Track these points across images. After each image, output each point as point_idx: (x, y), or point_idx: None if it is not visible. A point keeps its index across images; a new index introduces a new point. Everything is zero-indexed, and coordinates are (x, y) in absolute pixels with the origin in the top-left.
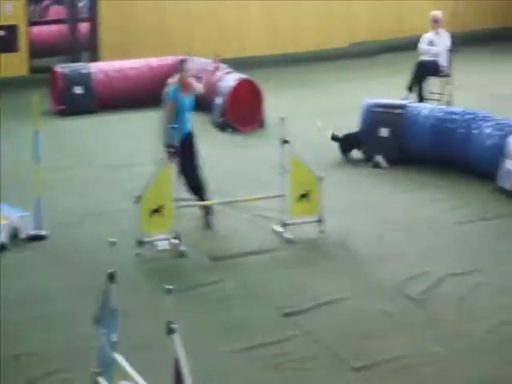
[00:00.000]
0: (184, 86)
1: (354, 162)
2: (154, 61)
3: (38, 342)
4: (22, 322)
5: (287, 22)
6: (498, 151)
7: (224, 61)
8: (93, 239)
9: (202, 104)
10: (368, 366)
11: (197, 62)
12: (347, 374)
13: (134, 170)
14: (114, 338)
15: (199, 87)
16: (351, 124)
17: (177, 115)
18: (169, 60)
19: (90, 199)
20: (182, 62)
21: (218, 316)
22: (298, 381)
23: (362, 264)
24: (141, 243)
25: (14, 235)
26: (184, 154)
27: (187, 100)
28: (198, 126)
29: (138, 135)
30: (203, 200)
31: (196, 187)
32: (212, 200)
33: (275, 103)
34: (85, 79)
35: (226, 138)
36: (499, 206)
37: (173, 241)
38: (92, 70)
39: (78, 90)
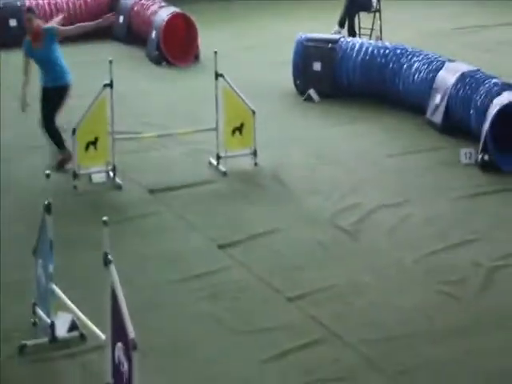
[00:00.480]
0: (34, 35)
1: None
2: None
3: None
4: None
5: None
6: (428, 85)
7: None
8: (29, 172)
9: (138, 38)
10: (301, 296)
11: None
12: (281, 304)
13: (68, 104)
14: (51, 268)
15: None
16: (285, 57)
17: (39, 67)
18: None
19: (25, 132)
20: (28, 10)
21: (154, 247)
22: (232, 311)
23: (295, 196)
24: (76, 176)
25: None
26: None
27: (42, 50)
28: (134, 60)
29: (73, 67)
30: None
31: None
32: (148, 133)
33: (210, 38)
34: (19, 12)
35: (161, 71)
36: (428, 139)
37: (109, 173)
38: (26, 3)
39: (13, 22)
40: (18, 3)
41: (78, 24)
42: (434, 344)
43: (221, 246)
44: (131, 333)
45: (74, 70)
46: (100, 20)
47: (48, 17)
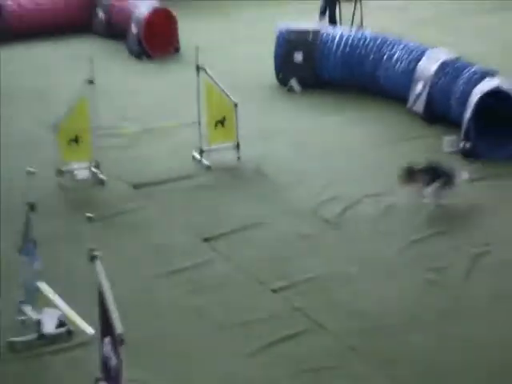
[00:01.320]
0: None
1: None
2: None
3: None
4: None
5: None
6: (409, 75)
7: None
8: (12, 169)
9: (118, 32)
10: (286, 287)
11: None
12: (266, 296)
13: (50, 99)
14: (37, 266)
15: None
16: (266, 50)
17: None
18: None
19: (6, 129)
20: None
21: (140, 242)
22: (217, 304)
23: (279, 189)
24: (60, 172)
25: None
26: None
27: None
28: (114, 54)
29: (53, 63)
30: None
31: None
32: (130, 129)
33: (193, 32)
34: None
35: (142, 66)
36: (411, 128)
37: (93, 169)
38: (5, 1)
39: None
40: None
41: None
42: (420, 332)
43: (205, 240)
44: (119, 328)
45: (54, 66)
46: None
47: (30, 15)
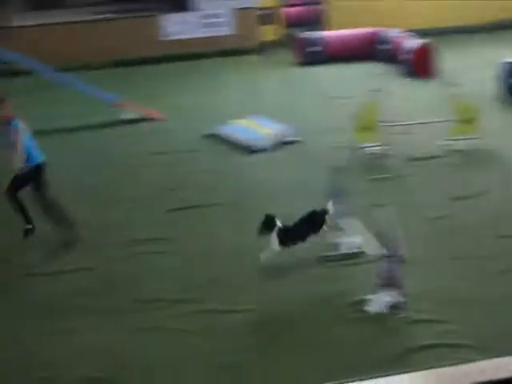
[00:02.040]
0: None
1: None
2: (358, 30)
3: (266, 208)
4: (266, 195)
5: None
6: None
7: (412, 30)
8: (327, 145)
9: (393, 60)
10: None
11: (389, 31)
12: (493, 239)
13: (349, 102)
14: (341, 208)
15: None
16: (490, 74)
17: None
18: (365, 30)
19: (322, 120)
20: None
21: (407, 197)
22: (458, 238)
23: (504, 167)
24: (357, 149)
25: (277, 141)
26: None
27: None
28: (390, 73)
29: (353, 78)
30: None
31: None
32: (404, 122)
33: (446, 60)
34: (318, 42)
35: (411, 82)
36: None
37: (379, 147)
38: (323, 36)
39: (314, 48)
40: (318, 36)
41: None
42: None
43: (453, 199)
44: (402, 251)
45: (350, 80)
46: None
47: (339, 45)
